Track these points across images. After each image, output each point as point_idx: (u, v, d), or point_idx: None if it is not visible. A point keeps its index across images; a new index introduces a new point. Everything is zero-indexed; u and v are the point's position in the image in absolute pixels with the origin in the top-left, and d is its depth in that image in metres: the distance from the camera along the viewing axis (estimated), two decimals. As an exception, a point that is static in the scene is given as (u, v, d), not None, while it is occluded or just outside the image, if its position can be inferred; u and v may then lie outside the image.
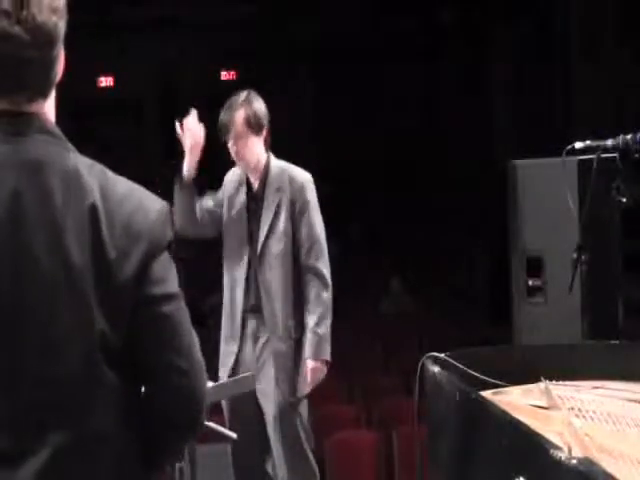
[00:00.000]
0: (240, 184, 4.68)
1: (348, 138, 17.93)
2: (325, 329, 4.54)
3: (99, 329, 1.79)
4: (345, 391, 8.16)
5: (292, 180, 4.59)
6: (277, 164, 4.66)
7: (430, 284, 14.28)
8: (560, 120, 14.40)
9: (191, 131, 4.57)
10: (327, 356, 4.57)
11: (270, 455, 4.67)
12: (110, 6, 17.35)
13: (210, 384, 3.39)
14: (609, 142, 4.14)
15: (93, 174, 1.84)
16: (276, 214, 4.56)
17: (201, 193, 4.71)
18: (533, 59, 15.64)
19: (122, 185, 1.87)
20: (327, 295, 4.56)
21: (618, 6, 14.19)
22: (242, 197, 4.65)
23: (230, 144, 4.58)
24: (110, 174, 1.87)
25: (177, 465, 3.66)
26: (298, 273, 4.56)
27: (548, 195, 4.97)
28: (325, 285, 4.56)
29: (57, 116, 1.93)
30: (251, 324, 4.59)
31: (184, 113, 4.69)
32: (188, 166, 4.60)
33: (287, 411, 4.55)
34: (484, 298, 13.51)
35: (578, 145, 4.28)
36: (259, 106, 4.60)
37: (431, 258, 15.62)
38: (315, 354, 4.52)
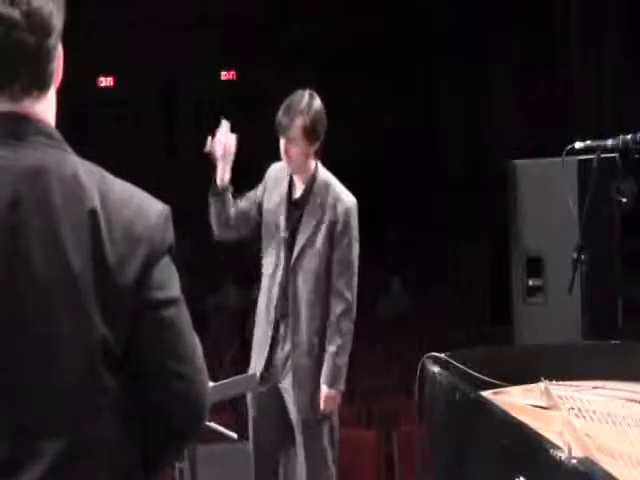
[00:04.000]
0: (282, 181, 4.61)
1: (348, 138, 17.94)
2: (343, 360, 4.54)
3: (100, 334, 1.77)
4: (345, 391, 8.15)
5: (338, 200, 4.53)
6: (324, 176, 4.59)
7: (430, 284, 14.28)
8: (560, 120, 14.39)
9: (222, 142, 4.51)
10: (342, 387, 4.57)
11: (286, 459, 4.68)
12: (110, 6, 17.35)
13: (210, 384, 3.39)
14: (609, 142, 4.14)
15: (92, 178, 1.81)
16: (315, 229, 4.51)
17: (238, 193, 4.64)
18: (533, 59, 15.64)
19: (122, 189, 1.84)
20: (349, 324, 4.56)
21: (618, 6, 14.19)
22: (282, 197, 4.59)
23: (283, 143, 4.51)
24: (110, 178, 1.84)
25: (177, 465, 3.65)
26: (328, 292, 4.55)
27: (548, 195, 4.97)
28: (348, 313, 4.55)
29: (57, 116, 1.91)
30: (282, 330, 4.58)
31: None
32: (221, 174, 4.53)
33: (308, 415, 4.55)
34: (484, 298, 13.51)
35: (578, 145, 4.28)
36: (318, 115, 4.51)
37: (431, 258, 15.62)
38: (331, 382, 4.52)
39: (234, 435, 3.86)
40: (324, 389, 4.53)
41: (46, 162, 1.80)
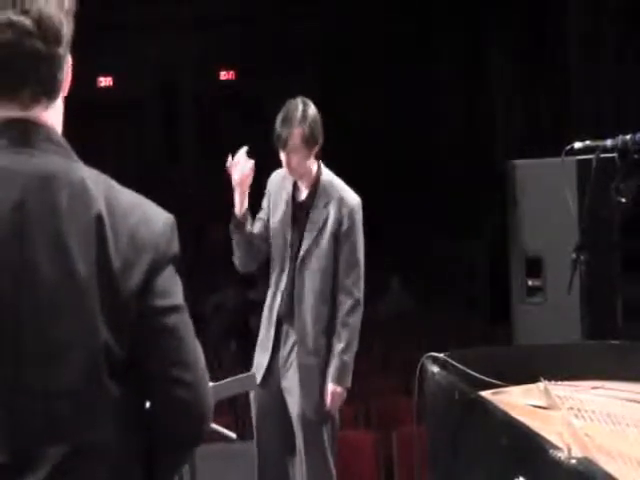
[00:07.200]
0: (285, 187, 4.65)
1: (348, 138, 17.95)
2: (350, 356, 4.58)
3: (103, 339, 1.77)
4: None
5: (342, 201, 4.56)
6: (328, 177, 4.63)
7: (430, 284, 14.28)
8: (559, 120, 14.39)
9: (239, 166, 4.53)
10: (348, 384, 4.61)
11: (293, 455, 4.69)
12: (110, 6, 17.35)
13: (210, 384, 3.39)
14: (608, 142, 4.14)
15: (99, 186, 1.82)
16: (321, 230, 4.54)
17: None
18: (533, 59, 15.65)
19: (127, 197, 1.85)
20: (357, 320, 4.57)
21: (618, 6, 14.19)
22: (287, 202, 4.62)
23: (283, 155, 4.54)
24: (115, 185, 1.85)
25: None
26: (334, 292, 4.56)
27: (548, 195, 4.97)
28: (356, 310, 4.56)
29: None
30: (285, 330, 4.60)
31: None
32: (239, 203, 4.56)
33: (311, 416, 4.56)
34: (484, 298, 13.51)
35: (577, 145, 4.28)
36: (316, 121, 4.54)
37: (431, 258, 15.62)
38: (338, 380, 4.55)
39: (234, 435, 3.86)
40: (330, 387, 4.55)
41: (54, 169, 1.81)
